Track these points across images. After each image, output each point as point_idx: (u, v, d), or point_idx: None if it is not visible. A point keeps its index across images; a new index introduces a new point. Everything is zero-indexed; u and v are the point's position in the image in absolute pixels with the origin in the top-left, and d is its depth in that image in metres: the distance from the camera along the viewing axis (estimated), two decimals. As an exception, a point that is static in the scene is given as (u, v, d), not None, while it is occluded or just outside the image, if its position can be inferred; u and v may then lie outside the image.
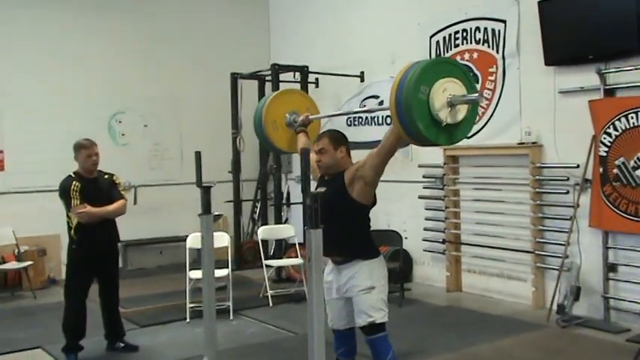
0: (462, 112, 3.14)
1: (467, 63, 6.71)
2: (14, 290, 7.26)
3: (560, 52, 5.81)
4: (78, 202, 4.72)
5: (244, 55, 9.08)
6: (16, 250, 7.21)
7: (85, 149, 4.83)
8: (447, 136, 3.16)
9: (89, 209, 4.72)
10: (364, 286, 3.61)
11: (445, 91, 3.07)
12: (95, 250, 4.84)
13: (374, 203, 3.75)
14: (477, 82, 6.61)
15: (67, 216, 4.83)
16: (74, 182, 4.77)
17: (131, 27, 8.63)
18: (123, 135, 8.63)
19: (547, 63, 5.92)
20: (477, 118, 6.54)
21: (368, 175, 3.57)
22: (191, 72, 8.98)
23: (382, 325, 3.64)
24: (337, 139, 3.76)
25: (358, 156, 3.79)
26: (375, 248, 3.79)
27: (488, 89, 6.54)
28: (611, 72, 5.47)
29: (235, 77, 8.28)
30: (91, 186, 4.82)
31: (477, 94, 3.14)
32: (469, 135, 6.79)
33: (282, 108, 4.32)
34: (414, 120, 3.05)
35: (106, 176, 5.00)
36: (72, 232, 4.82)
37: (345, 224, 3.64)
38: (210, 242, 3.98)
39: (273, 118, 4.28)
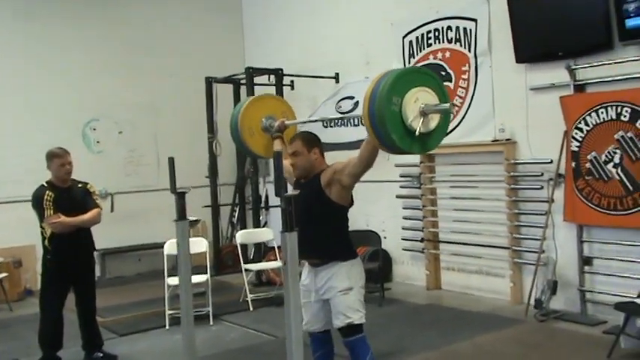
0: (434, 120, 3.16)
1: (440, 62, 6.77)
2: (-11, 303, 7.14)
3: (530, 49, 5.88)
4: (51, 212, 4.66)
5: (219, 60, 9.04)
6: (-9, 262, 7.11)
7: (57, 158, 4.77)
8: (420, 145, 3.18)
9: (63, 219, 4.66)
10: (342, 287, 3.62)
11: (417, 100, 3.08)
12: (70, 259, 4.78)
13: (351, 204, 3.76)
14: (450, 81, 6.68)
15: (41, 226, 4.77)
16: (47, 192, 4.71)
17: (104, 34, 8.54)
18: (98, 142, 8.55)
19: (518, 60, 5.99)
20: (451, 117, 6.67)
21: (345, 181, 3.59)
22: (166, 77, 8.91)
23: (360, 327, 3.64)
24: (310, 140, 3.76)
25: (337, 157, 3.81)
26: (352, 249, 3.79)
27: (462, 87, 6.59)
28: (580, 68, 5.55)
29: (210, 81, 8.24)
30: (65, 195, 4.76)
31: (448, 104, 3.15)
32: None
33: (257, 113, 4.31)
34: (388, 131, 3.06)
35: (80, 185, 4.94)
36: (46, 242, 4.76)
37: (323, 226, 3.64)
38: (186, 248, 3.95)
39: (249, 124, 4.27)
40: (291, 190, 3.15)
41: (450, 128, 6.57)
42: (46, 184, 4.79)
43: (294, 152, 3.73)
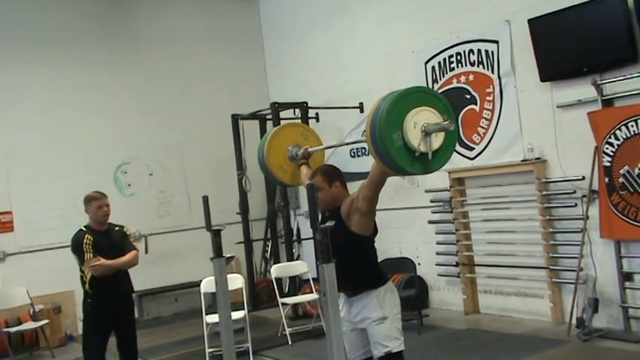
0: (438, 139, 3.12)
1: (463, 85, 6.79)
2: (32, 350, 7.22)
3: (554, 67, 5.88)
4: (91, 255, 4.74)
5: (243, 96, 9.19)
6: (32, 310, 7.20)
7: (95, 201, 4.87)
8: (423, 165, 3.14)
9: (103, 262, 4.75)
10: (376, 317, 3.61)
11: (416, 125, 3.05)
12: (111, 302, 4.83)
13: (375, 233, 3.76)
14: (476, 104, 6.69)
15: (81, 270, 4.84)
16: (86, 235, 4.80)
17: (131, 78, 8.77)
18: (129, 185, 8.70)
19: (543, 79, 5.99)
20: (479, 138, 6.67)
21: (362, 207, 3.58)
22: (192, 117, 9.09)
23: (400, 354, 3.62)
24: (330, 174, 3.77)
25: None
26: (381, 275, 3.77)
27: (488, 109, 6.60)
28: (606, 82, 5.52)
29: (236, 118, 8.36)
30: (103, 238, 4.85)
31: (447, 122, 3.09)
32: (471, 157, 6.85)
33: (283, 146, 4.31)
34: (396, 163, 3.08)
35: (117, 228, 5.03)
36: (86, 286, 4.82)
37: (349, 257, 3.58)
38: (225, 285, 3.98)
39: (279, 162, 4.28)
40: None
41: (478, 151, 6.68)
42: (84, 228, 4.89)
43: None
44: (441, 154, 3.17)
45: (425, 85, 7.19)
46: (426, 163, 3.11)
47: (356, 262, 3.66)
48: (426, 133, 3.06)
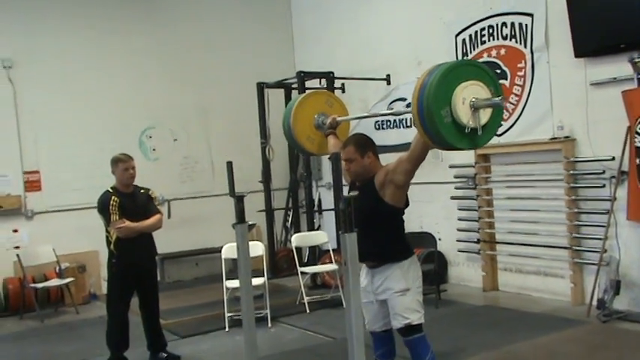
0: (486, 114, 3.07)
1: (494, 60, 6.67)
2: (57, 306, 7.40)
3: (590, 42, 5.72)
4: (117, 217, 4.81)
5: (269, 64, 9.15)
6: (58, 268, 7.37)
7: (122, 163, 4.93)
8: (471, 141, 3.10)
9: (128, 224, 4.81)
10: (398, 288, 3.61)
11: (465, 100, 3.00)
12: (134, 263, 4.93)
13: (407, 204, 3.74)
14: (506, 79, 6.58)
15: (107, 231, 4.93)
16: (113, 197, 4.87)
17: (156, 42, 8.77)
18: (154, 150, 8.77)
19: (577, 55, 5.84)
20: (507, 115, 6.58)
21: (399, 180, 3.55)
22: (217, 84, 9.09)
23: (419, 326, 3.63)
24: (362, 145, 3.71)
25: (387, 159, 3.78)
26: (408, 249, 3.77)
27: (518, 85, 6.49)
28: (643, 60, 5.38)
29: (261, 86, 8.34)
30: (129, 201, 4.92)
31: (499, 98, 3.04)
32: (499, 133, 6.79)
33: (309, 114, 4.24)
34: (446, 141, 3.03)
35: (142, 191, 5.10)
36: (111, 246, 4.91)
37: (379, 228, 3.62)
38: (246, 251, 4.00)
39: (306, 132, 4.21)
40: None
41: (505, 127, 6.59)
42: (110, 190, 4.95)
43: (347, 159, 3.68)
44: (489, 128, 3.12)
45: (454, 58, 7.09)
46: (475, 138, 3.07)
47: (386, 233, 3.66)
48: (475, 109, 3.01)
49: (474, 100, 3.01)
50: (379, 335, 3.81)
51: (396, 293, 3.60)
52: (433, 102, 2.96)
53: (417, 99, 3.04)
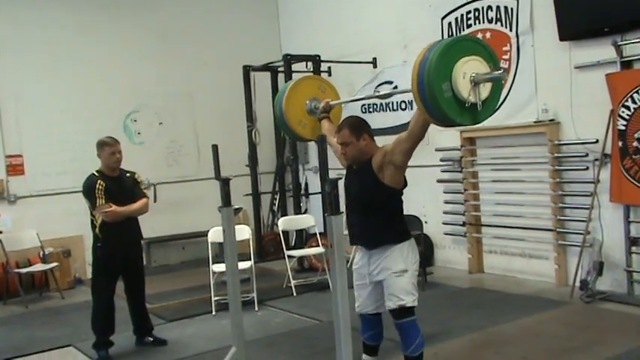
0: (486, 89, 3.07)
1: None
2: (42, 291, 7.36)
3: (574, 26, 5.74)
4: (103, 201, 4.77)
5: (255, 47, 9.08)
6: (42, 253, 7.32)
7: (108, 147, 4.88)
8: (472, 116, 3.09)
9: (115, 208, 4.78)
10: (397, 269, 3.59)
11: (465, 75, 2.99)
12: (120, 247, 4.90)
13: (405, 185, 3.72)
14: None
15: (92, 214, 4.89)
16: (99, 181, 4.82)
17: (140, 25, 8.67)
18: (139, 134, 8.70)
19: (562, 38, 5.86)
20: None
21: (398, 160, 3.52)
22: (203, 67, 9.02)
23: (412, 309, 3.63)
24: (357, 128, 3.67)
25: (378, 143, 3.77)
26: (407, 231, 3.76)
27: (504, 68, 6.48)
28: (627, 44, 5.40)
29: (247, 70, 8.28)
30: (115, 184, 4.88)
31: (500, 72, 3.05)
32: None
33: (301, 101, 4.22)
34: (447, 115, 3.02)
35: (128, 175, 5.06)
36: (97, 230, 4.87)
37: (378, 211, 3.62)
38: (232, 234, 4.00)
39: (298, 117, 4.19)
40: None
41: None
42: (96, 173, 4.90)
43: (343, 142, 3.66)
44: (489, 103, 3.12)
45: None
46: (475, 113, 3.07)
47: (386, 215, 3.64)
48: (475, 83, 3.01)
49: (474, 74, 3.01)
50: (369, 318, 3.82)
51: (394, 274, 3.59)
52: (434, 76, 2.95)
53: (417, 74, 3.02)
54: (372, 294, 3.75)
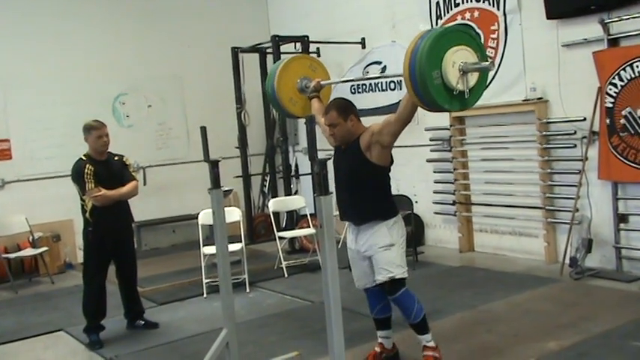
0: (473, 77, 3.20)
1: (468, 22, 6.65)
2: (32, 276, 7.35)
3: (561, 4, 5.75)
4: (92, 185, 4.74)
5: (244, 29, 9.02)
6: (31, 237, 7.29)
7: (95, 130, 4.83)
8: (460, 102, 3.21)
9: (105, 192, 4.75)
10: (383, 243, 3.70)
11: (454, 64, 3.11)
12: (111, 231, 4.88)
13: (392, 162, 3.82)
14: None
15: (81, 199, 4.86)
16: (87, 165, 4.78)
17: (128, 7, 8.57)
18: (127, 116, 8.64)
19: (549, 16, 5.86)
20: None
21: (386, 141, 3.64)
22: (191, 49, 8.95)
23: (402, 281, 3.74)
24: (345, 109, 3.79)
25: (366, 123, 3.82)
26: (394, 208, 3.87)
27: (491, 47, 6.48)
28: (614, 21, 5.41)
29: (236, 51, 8.22)
30: (104, 168, 4.84)
31: (487, 62, 3.17)
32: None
33: (293, 79, 4.28)
34: (436, 102, 3.14)
35: (116, 158, 5.02)
36: (87, 214, 4.85)
37: (366, 189, 3.73)
38: (222, 216, 3.98)
39: (289, 94, 4.27)
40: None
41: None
42: (84, 158, 4.86)
43: (331, 124, 3.78)
44: (476, 91, 3.25)
45: (429, 21, 7.05)
46: (463, 100, 3.19)
47: (373, 192, 3.76)
48: (464, 72, 3.13)
49: (462, 63, 3.12)
50: (373, 291, 3.90)
51: (381, 248, 3.70)
52: (426, 64, 3.08)
53: (408, 61, 3.14)
54: (367, 268, 3.84)
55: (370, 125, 3.74)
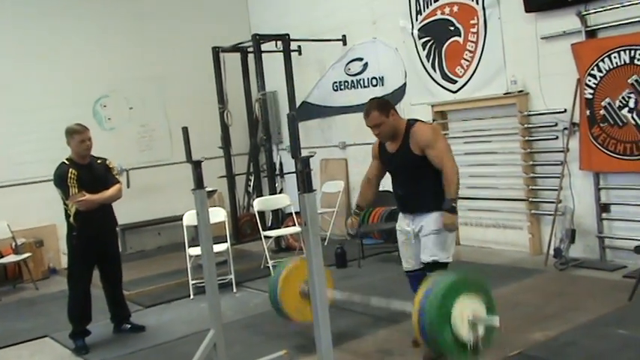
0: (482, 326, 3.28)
1: (448, 17, 6.67)
2: (15, 283, 7.28)
3: (539, -3, 5.78)
4: (76, 190, 4.68)
5: (224, 28, 8.98)
6: (14, 244, 7.21)
7: (78, 134, 4.78)
8: (471, 353, 3.26)
9: (89, 197, 4.70)
10: (435, 227, 3.86)
11: (464, 319, 3.22)
12: (95, 235, 4.83)
13: None
14: (460, 36, 6.59)
15: (65, 204, 4.80)
16: (70, 170, 4.72)
17: (107, 9, 8.51)
18: (109, 119, 8.58)
19: (527, 10, 5.90)
20: (462, 71, 6.64)
21: (430, 156, 3.86)
22: (172, 50, 8.90)
23: (445, 265, 3.87)
24: (384, 106, 3.92)
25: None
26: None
27: (471, 41, 6.51)
28: (591, 13, 5.45)
29: (217, 51, 8.20)
30: (87, 172, 4.79)
31: (495, 317, 3.26)
32: (454, 90, 6.87)
33: (295, 288, 4.33)
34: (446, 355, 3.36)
35: (99, 161, 4.96)
36: (71, 219, 4.79)
37: (424, 182, 3.89)
38: (206, 217, 3.97)
39: (295, 306, 4.34)
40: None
41: (461, 84, 6.65)
42: (67, 162, 4.80)
43: (374, 125, 3.88)
44: (487, 337, 3.28)
45: (409, 17, 7.07)
46: (476, 351, 3.25)
47: (429, 185, 3.90)
48: (474, 324, 3.23)
49: (471, 318, 3.23)
50: (416, 274, 4.01)
51: (434, 230, 3.85)
52: (436, 330, 3.21)
53: (417, 324, 3.31)
54: (417, 252, 3.98)
55: (417, 124, 3.89)
